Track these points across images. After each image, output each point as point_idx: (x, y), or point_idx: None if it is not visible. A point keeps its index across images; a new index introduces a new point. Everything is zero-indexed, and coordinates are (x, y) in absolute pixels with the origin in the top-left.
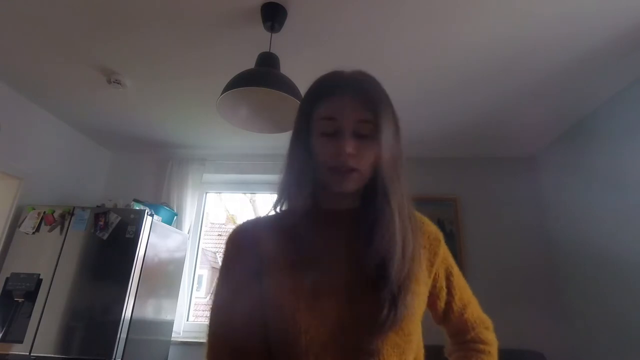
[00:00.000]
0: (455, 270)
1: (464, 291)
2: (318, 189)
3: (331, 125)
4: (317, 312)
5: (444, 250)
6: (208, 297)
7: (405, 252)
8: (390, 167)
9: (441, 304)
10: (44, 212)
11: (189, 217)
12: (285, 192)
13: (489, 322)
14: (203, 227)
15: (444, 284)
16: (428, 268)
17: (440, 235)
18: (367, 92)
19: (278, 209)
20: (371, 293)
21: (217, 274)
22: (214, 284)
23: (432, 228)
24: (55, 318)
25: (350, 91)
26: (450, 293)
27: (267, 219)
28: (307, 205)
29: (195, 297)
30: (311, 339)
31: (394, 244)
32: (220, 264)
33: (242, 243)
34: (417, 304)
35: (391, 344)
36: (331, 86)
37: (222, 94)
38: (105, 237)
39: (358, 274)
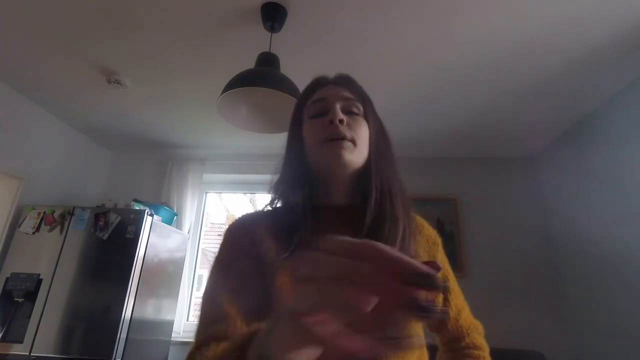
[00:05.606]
0: (451, 275)
1: (458, 297)
2: (314, 184)
3: (320, 107)
4: None
5: (442, 255)
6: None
7: (404, 251)
8: (382, 156)
9: None
10: (44, 212)
11: (189, 217)
12: (281, 189)
13: (481, 327)
14: (203, 227)
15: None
16: None
17: (439, 240)
18: (352, 82)
19: (273, 205)
20: None
21: (211, 267)
22: (207, 277)
23: (432, 232)
24: (55, 318)
25: (337, 81)
26: (446, 299)
27: (264, 214)
28: (305, 201)
29: (195, 297)
30: None
31: (393, 243)
32: (215, 257)
33: (238, 238)
34: None
35: None
36: (319, 82)
37: (222, 94)
38: (105, 237)
39: None
